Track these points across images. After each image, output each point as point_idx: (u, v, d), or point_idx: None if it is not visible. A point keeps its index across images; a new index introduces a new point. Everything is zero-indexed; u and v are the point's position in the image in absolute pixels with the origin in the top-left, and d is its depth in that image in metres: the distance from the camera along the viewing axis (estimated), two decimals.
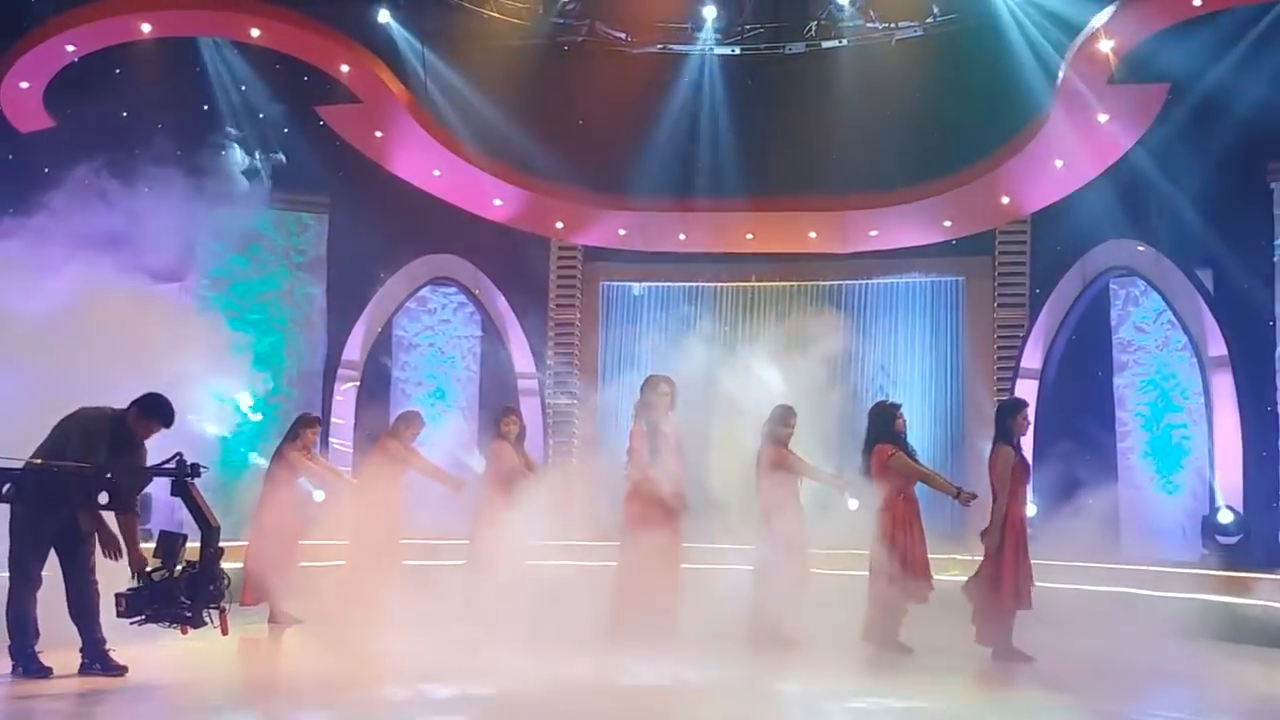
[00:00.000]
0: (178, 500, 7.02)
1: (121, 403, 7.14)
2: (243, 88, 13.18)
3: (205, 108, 12.54)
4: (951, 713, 7.38)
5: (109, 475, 7.05)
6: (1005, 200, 12.86)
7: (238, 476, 10.56)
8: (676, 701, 7.60)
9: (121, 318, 8.61)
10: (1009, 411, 9.30)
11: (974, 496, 9.25)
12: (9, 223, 9.18)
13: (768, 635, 9.15)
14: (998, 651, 8.79)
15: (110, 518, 7.04)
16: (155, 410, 7.10)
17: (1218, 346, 11.75)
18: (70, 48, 11.74)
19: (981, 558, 9.04)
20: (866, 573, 9.23)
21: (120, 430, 7.13)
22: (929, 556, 9.20)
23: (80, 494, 7.03)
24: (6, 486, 6.85)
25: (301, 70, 12.93)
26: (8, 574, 7.33)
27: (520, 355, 14.13)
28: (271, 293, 13.09)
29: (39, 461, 7.03)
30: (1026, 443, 9.83)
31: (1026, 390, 12.62)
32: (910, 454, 9.37)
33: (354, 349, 13.65)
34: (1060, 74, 11.22)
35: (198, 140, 10.67)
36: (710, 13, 13.07)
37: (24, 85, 11.73)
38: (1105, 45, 10.80)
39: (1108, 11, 10.71)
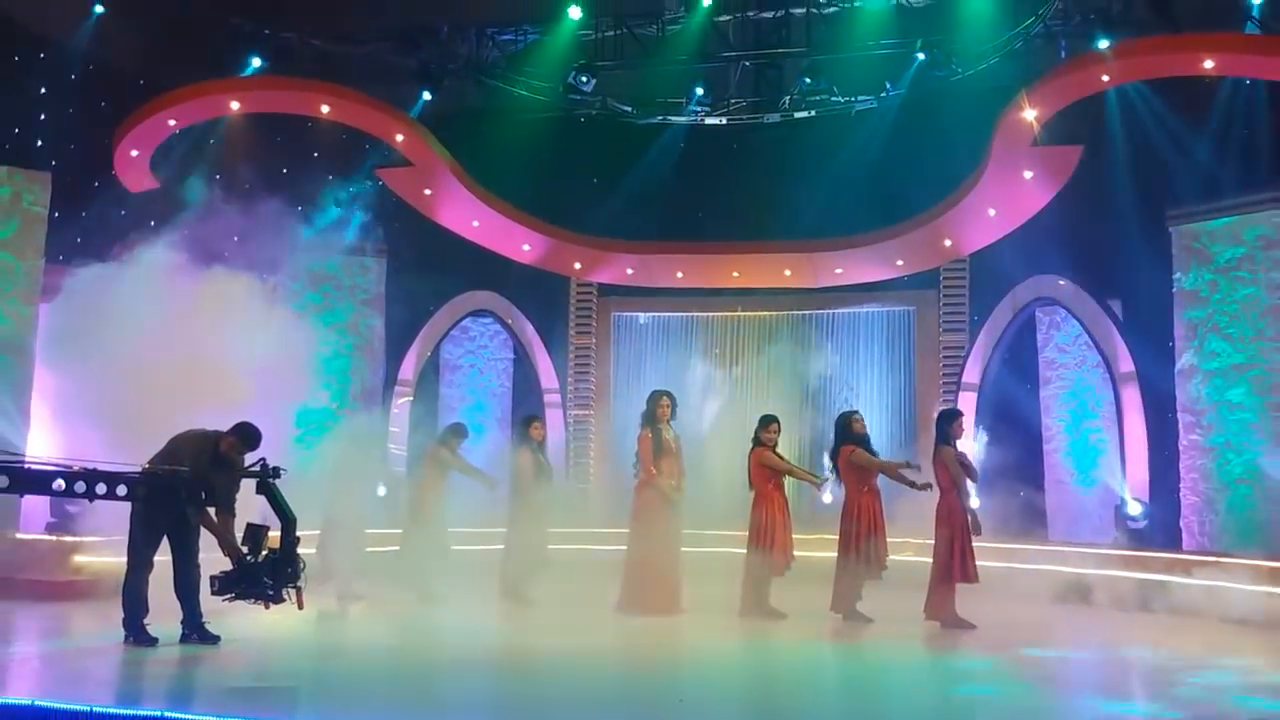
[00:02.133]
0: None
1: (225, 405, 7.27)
2: (315, 154, 13.23)
3: (284, 171, 12.57)
4: (908, 666, 7.38)
5: (209, 481, 7.14)
6: (948, 243, 12.87)
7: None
8: (682, 664, 7.60)
9: (220, 346, 8.65)
10: (948, 419, 9.29)
11: (930, 485, 9.20)
12: (112, 268, 9.19)
13: (756, 609, 9.15)
14: (945, 620, 8.78)
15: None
16: (246, 437, 7.24)
17: (1126, 364, 11.73)
18: (172, 122, 11.76)
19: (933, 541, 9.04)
20: (835, 554, 9.24)
21: (217, 448, 7.22)
22: (888, 540, 9.21)
23: (189, 495, 7.13)
24: (124, 488, 6.90)
25: (364, 139, 12.99)
26: (126, 559, 7.37)
27: (545, 374, 14.14)
28: (339, 323, 13.11)
29: (156, 468, 7.11)
30: (967, 444, 9.85)
31: (967, 401, 12.62)
32: (872, 451, 9.37)
33: (408, 370, 13.67)
34: (991, 138, 11.24)
35: (279, 198, 10.68)
36: (700, 90, 13.12)
37: (134, 153, 11.76)
38: (1028, 114, 10.81)
39: (1030, 87, 10.74)
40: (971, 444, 11.05)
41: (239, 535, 7.10)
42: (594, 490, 13.82)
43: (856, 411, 9.58)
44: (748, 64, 12.99)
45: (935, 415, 9.69)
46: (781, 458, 9.54)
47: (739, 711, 6.04)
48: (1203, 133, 11.03)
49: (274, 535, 7.06)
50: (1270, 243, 10.72)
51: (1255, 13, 10.53)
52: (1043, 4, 11.55)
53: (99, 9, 11.61)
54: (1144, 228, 11.59)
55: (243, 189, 10.18)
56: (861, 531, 9.07)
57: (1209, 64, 10.28)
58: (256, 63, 12.54)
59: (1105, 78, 10.65)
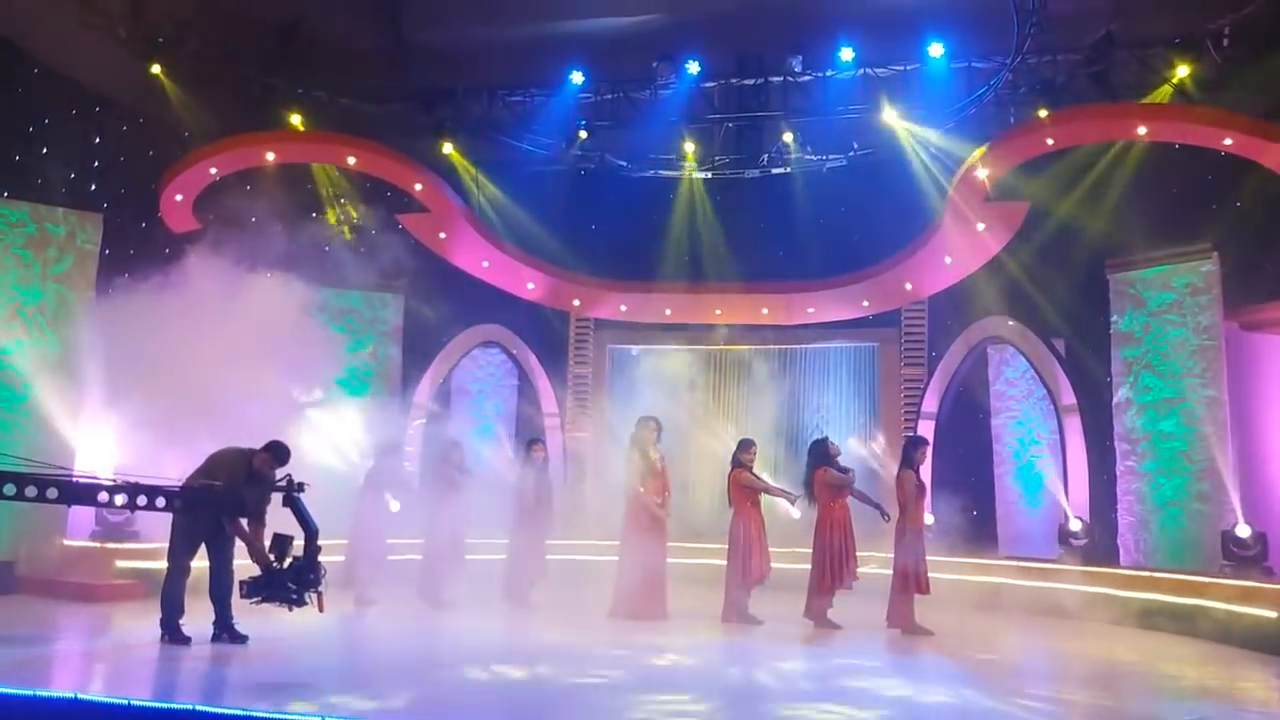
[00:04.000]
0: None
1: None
2: (341, 200, 13.25)
3: (314, 215, 12.58)
4: (873, 669, 7.34)
5: (242, 494, 7.12)
6: (908, 286, 12.92)
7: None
8: (672, 667, 7.54)
9: (255, 373, 8.61)
10: (914, 446, 9.31)
11: (889, 518, 9.19)
12: (153, 296, 9.13)
13: (737, 615, 9.11)
14: (906, 629, 8.76)
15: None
16: (277, 454, 7.23)
17: (1069, 397, 11.75)
18: (213, 170, 11.78)
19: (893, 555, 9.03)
20: (809, 565, 9.21)
21: (251, 464, 7.21)
22: (857, 553, 9.18)
23: (225, 507, 7.12)
24: (163, 500, 6.86)
25: (385, 188, 13.02)
26: (166, 564, 7.32)
27: (546, 399, 14.09)
28: (361, 353, 13.06)
29: (195, 483, 7.10)
30: (925, 469, 9.84)
31: (926, 428, 12.62)
32: (841, 470, 9.33)
33: (423, 394, 13.60)
34: (948, 194, 11.32)
35: (308, 239, 10.67)
36: (689, 147, 13.21)
37: (178, 198, 11.76)
38: (981, 173, 10.89)
39: (983, 149, 10.83)
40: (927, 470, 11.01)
41: (267, 544, 7.06)
42: (589, 505, 13.76)
43: (829, 438, 9.59)
44: (731, 125, 13.10)
45: (903, 441, 9.70)
46: (758, 477, 9.53)
47: (719, 709, 5.99)
48: (1138, 191, 11.12)
49: (298, 544, 7.02)
50: (1197, 289, 10.78)
51: (1182, 85, 10.66)
52: (994, 75, 11.68)
53: (151, 69, 11.65)
54: (1085, 275, 11.66)
55: (275, 233, 10.14)
56: (833, 546, 9.05)
57: (1142, 130, 10.39)
58: (292, 118, 12.58)
59: (1050, 141, 10.75)
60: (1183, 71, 10.70)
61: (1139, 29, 11.06)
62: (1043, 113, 10.78)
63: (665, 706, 5.74)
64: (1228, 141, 9.93)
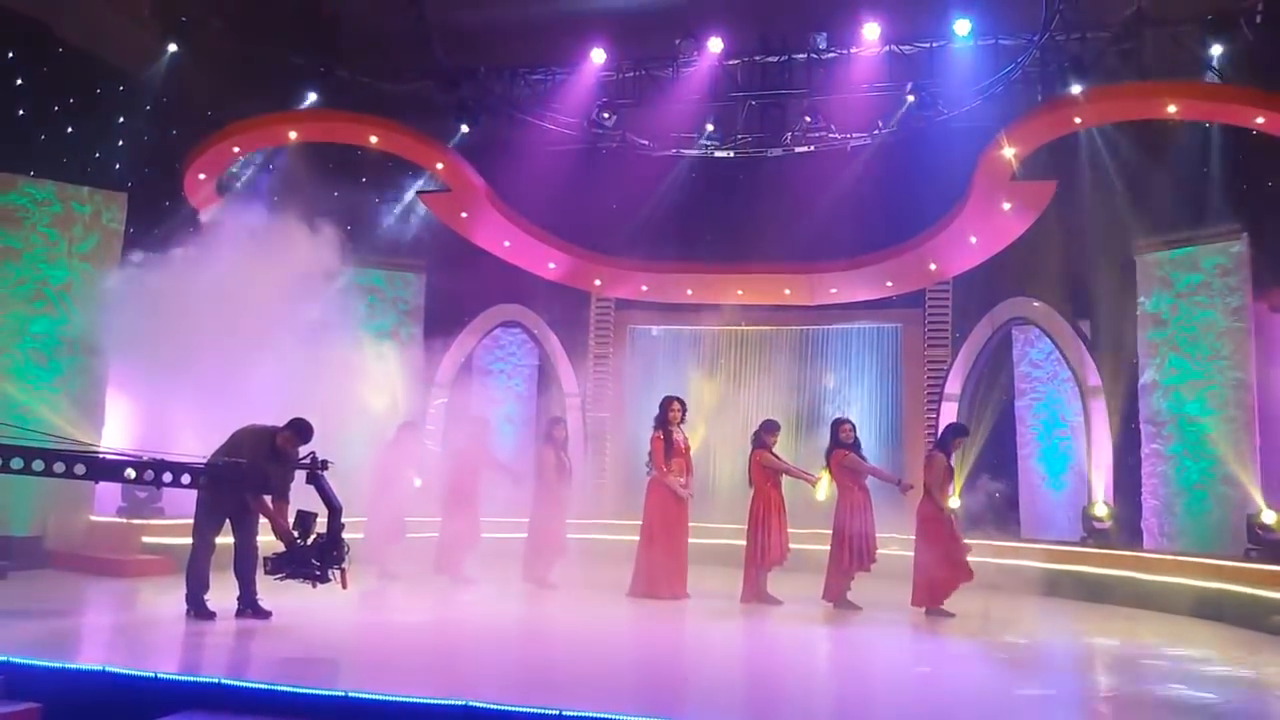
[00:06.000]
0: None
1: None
2: (363, 179, 13.28)
3: (335, 194, 12.61)
4: (894, 650, 7.35)
5: (266, 471, 7.18)
6: (933, 267, 12.83)
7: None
8: (689, 643, 7.59)
9: (276, 346, 8.68)
10: (955, 432, 9.27)
11: (911, 486, 9.22)
12: (177, 274, 9.18)
13: (755, 596, 9.13)
14: (929, 610, 8.75)
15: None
16: (300, 431, 7.27)
17: (1094, 379, 11.66)
18: (236, 149, 11.83)
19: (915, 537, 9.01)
20: (829, 547, 9.22)
21: (274, 442, 7.26)
22: (877, 535, 9.18)
23: (250, 484, 7.18)
24: (188, 477, 6.94)
25: (408, 167, 13.04)
26: (191, 540, 7.41)
27: (567, 379, 14.10)
28: (383, 331, 13.11)
29: (218, 460, 7.16)
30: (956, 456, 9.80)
31: (948, 410, 12.54)
32: (861, 456, 9.35)
33: (445, 374, 13.67)
34: (973, 173, 11.22)
35: (330, 218, 10.69)
36: (710, 126, 13.14)
37: (201, 176, 11.83)
38: (1008, 152, 10.78)
39: (1010, 126, 10.72)
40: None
41: (291, 521, 7.13)
42: (609, 485, 13.81)
43: (848, 420, 9.55)
44: (754, 103, 13.00)
45: (925, 422, 9.66)
46: (780, 458, 9.52)
47: (739, 689, 6.02)
48: (1166, 170, 10.98)
49: (322, 521, 7.09)
50: (1225, 271, 10.66)
51: (1214, 63, 10.50)
52: (1021, 52, 11.54)
53: (173, 48, 11.70)
54: (1112, 255, 11.54)
55: (296, 208, 10.16)
56: (852, 527, 9.05)
57: (1172, 109, 10.25)
58: (313, 97, 12.61)
59: (1078, 119, 10.63)
60: (1215, 49, 10.53)
61: (1170, 6, 10.88)
62: (1077, 89, 10.63)
63: (682, 685, 5.77)
64: (1260, 121, 9.78)
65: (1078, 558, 10.55)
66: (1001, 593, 10.15)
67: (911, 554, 8.99)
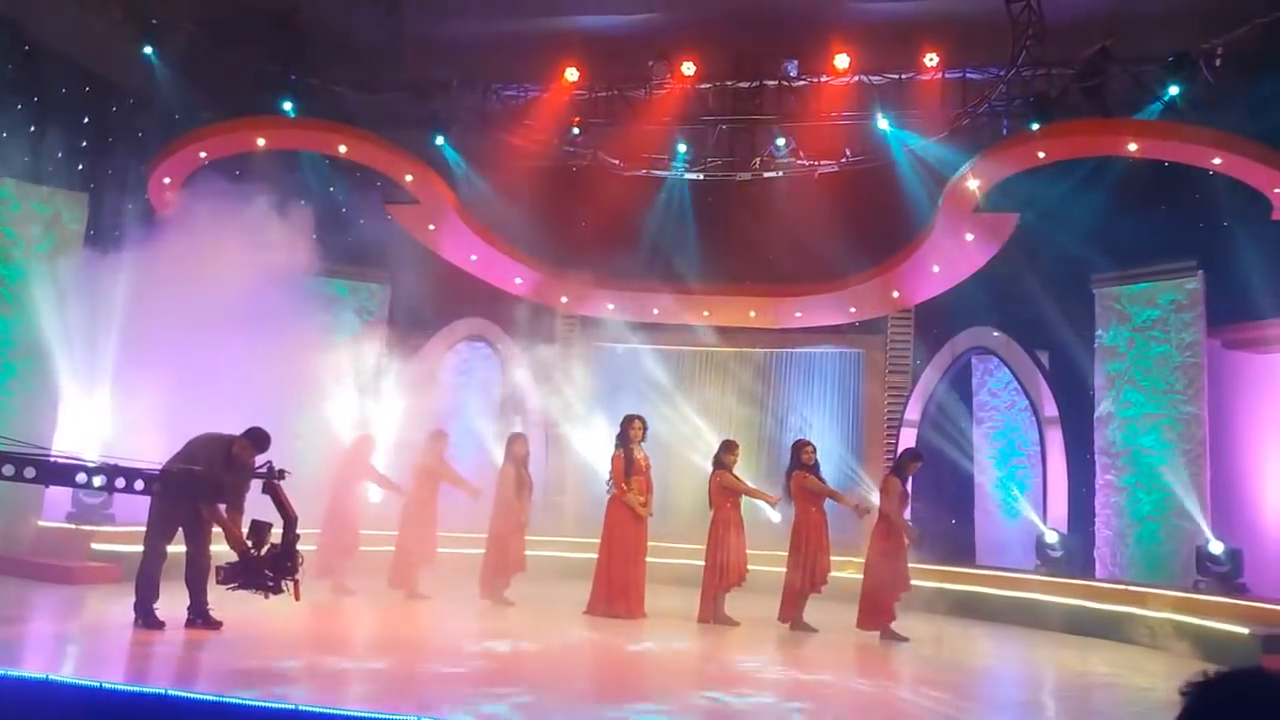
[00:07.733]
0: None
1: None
2: (330, 188, 13.20)
3: (302, 203, 12.54)
4: (845, 676, 7.38)
5: (221, 479, 7.09)
6: (895, 294, 12.97)
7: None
8: (645, 661, 7.57)
9: (235, 356, 8.59)
10: (910, 457, 9.34)
11: (868, 510, 9.28)
12: (136, 277, 9.05)
13: (712, 616, 9.13)
14: (883, 633, 8.79)
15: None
16: (256, 440, 7.20)
17: (1051, 409, 11.82)
18: (203, 154, 11.74)
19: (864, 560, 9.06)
20: (784, 569, 9.24)
21: (230, 450, 7.17)
22: (831, 558, 9.22)
23: (204, 492, 7.07)
24: (141, 483, 6.83)
25: (375, 177, 13.00)
26: (143, 547, 7.30)
27: (530, 395, 14.04)
28: (345, 341, 12.98)
29: (174, 467, 7.05)
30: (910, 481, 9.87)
31: (908, 436, 12.65)
32: (820, 478, 9.40)
33: (406, 386, 13.50)
34: (938, 203, 11.37)
35: (294, 227, 10.60)
36: (681, 148, 13.24)
37: (166, 180, 11.71)
38: (972, 184, 10.95)
39: (974, 160, 10.89)
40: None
41: (245, 531, 7.03)
42: (569, 503, 13.77)
43: (809, 442, 9.60)
44: (724, 127, 13.13)
45: (885, 448, 9.73)
46: (740, 480, 9.54)
47: (692, 704, 6.02)
48: (1126, 207, 11.20)
49: (276, 532, 7.00)
50: (1181, 306, 10.87)
51: (1176, 102, 10.74)
52: (988, 87, 11.75)
53: (146, 49, 11.59)
54: (1070, 289, 11.72)
55: (261, 217, 10.08)
56: (808, 549, 9.08)
57: (1133, 146, 10.47)
58: (284, 105, 12.56)
59: (1041, 154, 10.82)
60: (1175, 89, 10.78)
61: (1133, 46, 11.14)
62: (1039, 125, 10.83)
63: (637, 708, 5.76)
64: (1217, 161, 10.02)
65: (1030, 585, 10.65)
66: (954, 618, 10.23)
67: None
